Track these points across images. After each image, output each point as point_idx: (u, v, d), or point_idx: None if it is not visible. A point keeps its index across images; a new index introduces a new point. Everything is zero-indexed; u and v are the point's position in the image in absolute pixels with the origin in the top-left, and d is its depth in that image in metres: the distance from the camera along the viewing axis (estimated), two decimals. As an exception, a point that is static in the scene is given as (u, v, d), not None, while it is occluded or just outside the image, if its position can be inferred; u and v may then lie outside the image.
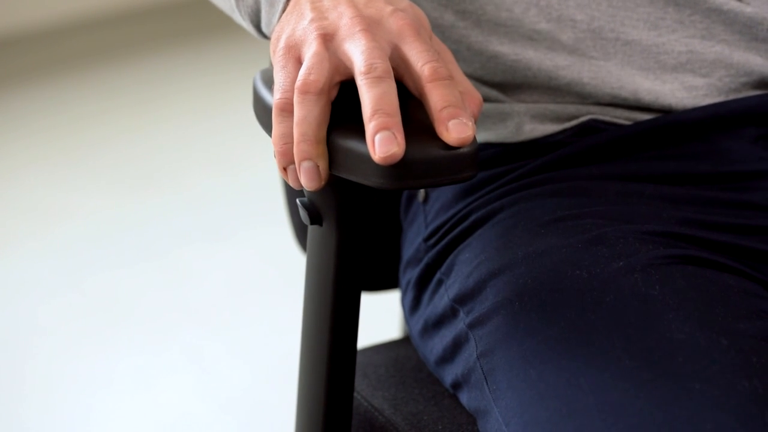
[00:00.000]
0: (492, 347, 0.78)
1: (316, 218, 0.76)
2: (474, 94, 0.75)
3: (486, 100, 0.91)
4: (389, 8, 0.73)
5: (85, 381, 1.95)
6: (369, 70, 0.69)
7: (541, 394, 0.71)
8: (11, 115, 3.05)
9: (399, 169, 0.67)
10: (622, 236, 0.79)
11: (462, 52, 0.90)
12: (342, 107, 0.72)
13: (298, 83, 0.70)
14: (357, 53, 0.70)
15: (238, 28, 1.78)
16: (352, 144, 0.69)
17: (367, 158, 0.68)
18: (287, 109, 0.71)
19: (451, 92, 0.70)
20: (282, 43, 0.74)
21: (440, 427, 0.86)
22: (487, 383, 0.78)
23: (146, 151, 2.80)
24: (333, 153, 0.71)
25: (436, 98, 0.69)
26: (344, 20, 0.72)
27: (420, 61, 0.71)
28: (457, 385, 0.84)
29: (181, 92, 3.11)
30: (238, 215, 2.48)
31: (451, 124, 0.68)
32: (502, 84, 0.90)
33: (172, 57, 3.38)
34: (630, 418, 0.67)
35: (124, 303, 2.18)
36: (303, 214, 0.76)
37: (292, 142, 0.71)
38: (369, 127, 0.68)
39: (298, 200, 0.77)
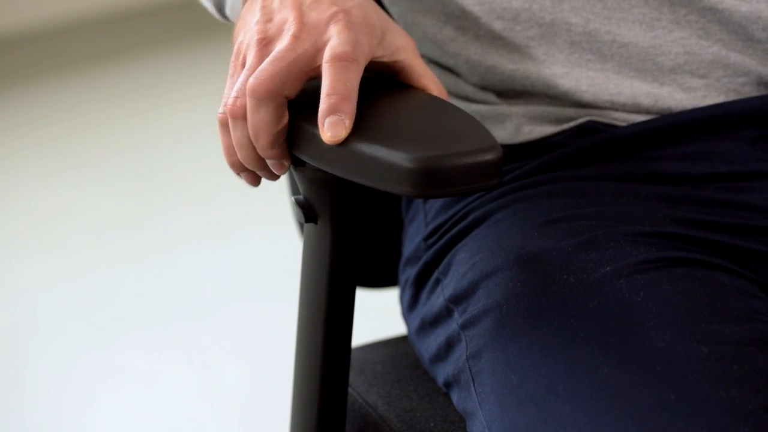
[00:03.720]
0: (480, 349, 0.79)
1: (311, 216, 0.76)
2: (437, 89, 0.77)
3: (484, 103, 0.91)
4: (332, 10, 0.74)
5: (84, 381, 1.96)
6: (250, 89, 0.72)
7: (521, 400, 0.72)
8: (11, 115, 3.05)
9: (427, 179, 0.66)
10: (614, 239, 0.79)
11: (460, 65, 0.91)
12: (362, 111, 0.71)
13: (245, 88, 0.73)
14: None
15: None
16: (379, 153, 0.68)
17: (395, 167, 0.67)
18: (224, 123, 0.75)
19: (342, 76, 0.71)
20: (234, 48, 0.76)
21: (432, 425, 0.86)
22: (474, 385, 0.78)
23: (146, 151, 2.81)
24: (357, 161, 0.70)
25: (325, 82, 0.71)
26: (286, 24, 0.74)
27: (329, 46, 0.73)
28: (448, 385, 0.84)
29: (181, 92, 3.12)
30: (237, 215, 2.48)
31: (328, 121, 0.70)
32: (501, 92, 0.90)
33: (172, 58, 3.38)
34: (603, 427, 0.67)
35: (123, 303, 2.18)
36: (298, 212, 0.77)
37: (230, 156, 0.76)
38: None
39: (293, 198, 0.77)
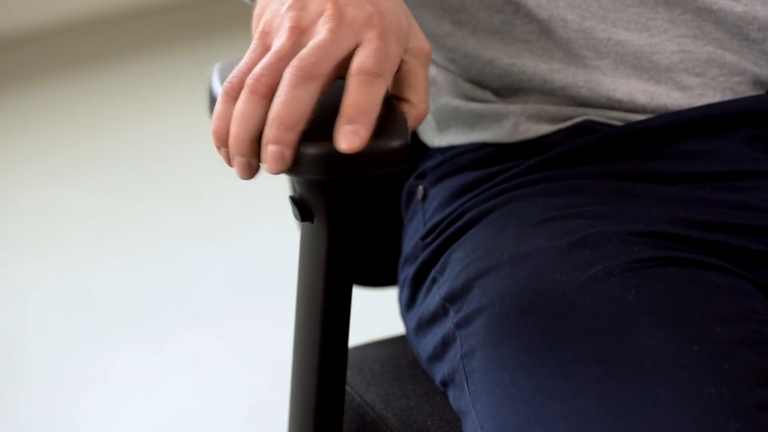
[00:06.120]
0: (473, 348, 0.79)
1: (307, 215, 0.76)
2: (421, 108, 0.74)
3: (482, 101, 0.92)
4: (368, 10, 0.72)
5: (84, 381, 1.96)
6: (296, 67, 0.69)
7: (512, 399, 0.72)
8: (11, 115, 3.05)
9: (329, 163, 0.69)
10: (607, 238, 0.79)
11: (458, 60, 0.91)
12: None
13: (249, 79, 0.70)
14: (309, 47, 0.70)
15: (239, 28, 1.79)
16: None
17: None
18: (232, 94, 0.71)
19: (365, 90, 0.69)
20: (260, 27, 0.73)
21: (429, 423, 0.86)
22: (467, 384, 0.79)
23: (146, 151, 2.81)
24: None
25: (347, 94, 0.69)
26: (322, 17, 0.71)
27: (359, 56, 0.70)
28: (445, 384, 0.85)
29: (180, 92, 3.12)
30: (237, 215, 2.48)
31: (343, 130, 0.68)
32: (498, 90, 0.90)
33: (172, 57, 3.38)
34: (593, 425, 0.67)
35: (123, 303, 2.18)
36: (294, 211, 0.77)
37: (221, 127, 0.71)
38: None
39: (289, 197, 0.77)
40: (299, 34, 0.71)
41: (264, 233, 2.39)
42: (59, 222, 2.49)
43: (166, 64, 3.33)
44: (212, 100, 0.80)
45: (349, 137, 0.68)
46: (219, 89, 0.77)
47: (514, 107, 0.89)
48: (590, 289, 0.75)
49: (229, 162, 0.72)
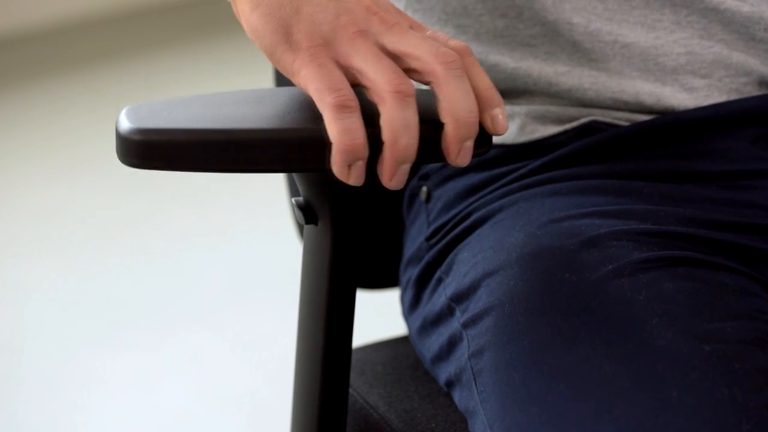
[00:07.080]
0: (482, 348, 0.79)
1: (311, 218, 0.76)
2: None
3: None
4: None
5: (84, 381, 1.96)
6: (448, 65, 0.69)
7: (522, 398, 0.72)
8: (11, 115, 3.05)
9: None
10: (616, 238, 0.79)
11: None
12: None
13: (395, 86, 0.68)
14: (415, 49, 0.69)
15: (239, 29, 1.77)
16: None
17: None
18: (350, 105, 0.68)
19: (481, 70, 0.71)
20: (305, 43, 0.70)
21: (434, 425, 0.86)
22: (475, 384, 0.78)
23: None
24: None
25: (474, 78, 0.70)
26: (369, 14, 0.70)
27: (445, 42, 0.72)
28: (450, 384, 0.85)
29: (180, 92, 3.12)
30: (238, 215, 2.48)
31: (492, 114, 0.70)
32: (503, 92, 0.90)
33: (172, 58, 3.38)
34: (606, 425, 0.67)
35: (123, 303, 2.18)
36: (298, 213, 0.77)
37: (360, 137, 0.68)
38: (457, 131, 0.68)
39: (293, 200, 0.77)
40: (367, 36, 0.70)
41: (264, 233, 2.39)
42: (59, 222, 2.49)
43: (166, 64, 3.33)
44: (135, 143, 0.70)
45: (498, 120, 0.70)
46: (141, 125, 0.70)
47: (519, 108, 0.89)
48: (600, 290, 0.75)
49: (360, 178, 0.69)
